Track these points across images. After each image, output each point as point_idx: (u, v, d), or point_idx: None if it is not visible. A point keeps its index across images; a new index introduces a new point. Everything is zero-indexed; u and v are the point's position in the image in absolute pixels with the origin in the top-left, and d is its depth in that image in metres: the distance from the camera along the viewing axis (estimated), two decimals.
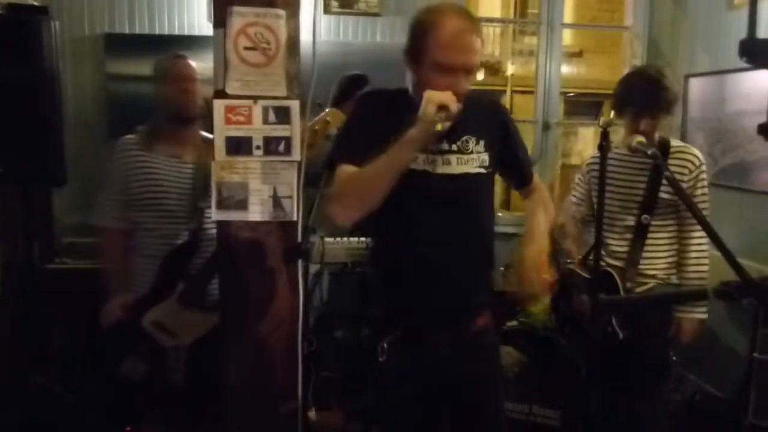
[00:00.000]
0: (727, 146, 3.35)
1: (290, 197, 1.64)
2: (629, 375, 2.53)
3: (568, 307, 2.69)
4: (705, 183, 2.48)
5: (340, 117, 2.03)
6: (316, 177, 1.91)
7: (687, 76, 3.70)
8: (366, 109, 1.73)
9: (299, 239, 1.72)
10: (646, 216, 2.47)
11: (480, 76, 11.10)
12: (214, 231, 2.22)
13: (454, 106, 1.53)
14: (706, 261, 2.46)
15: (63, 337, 3.01)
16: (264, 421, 1.80)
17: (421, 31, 1.62)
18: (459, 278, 1.74)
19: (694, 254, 2.47)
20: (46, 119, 2.14)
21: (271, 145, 1.60)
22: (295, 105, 1.60)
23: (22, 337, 2.83)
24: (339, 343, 3.39)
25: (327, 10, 3.82)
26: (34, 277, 2.66)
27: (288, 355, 1.78)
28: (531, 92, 4.50)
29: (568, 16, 4.41)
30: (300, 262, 1.74)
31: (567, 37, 8.63)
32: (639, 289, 2.50)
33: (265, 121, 1.59)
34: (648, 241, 2.49)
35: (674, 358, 2.69)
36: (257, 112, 1.58)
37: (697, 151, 2.50)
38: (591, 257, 2.56)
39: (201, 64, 2.28)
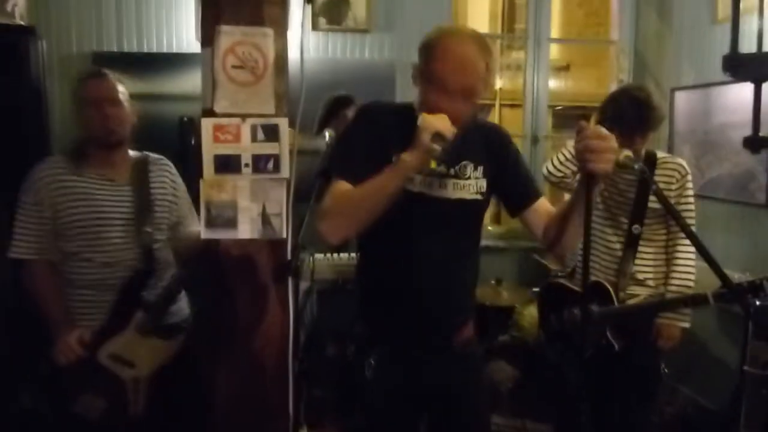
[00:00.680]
0: (713, 158, 3.39)
1: (279, 215, 1.64)
2: (622, 386, 2.54)
3: (559, 321, 2.69)
4: (691, 192, 2.53)
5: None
6: (306, 194, 1.89)
7: (673, 90, 3.75)
8: (366, 122, 1.70)
9: (289, 257, 1.71)
10: (636, 226, 2.51)
11: None
12: (163, 254, 2.16)
13: (450, 132, 1.51)
14: (692, 271, 2.49)
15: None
16: None
17: (426, 51, 1.61)
18: (443, 297, 1.74)
19: (681, 264, 2.51)
20: (34, 137, 2.12)
21: (259, 163, 1.60)
22: (283, 123, 1.60)
23: (11, 354, 2.78)
24: (330, 360, 3.38)
25: (315, 27, 3.84)
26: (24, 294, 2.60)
27: (279, 374, 1.77)
28: (519, 106, 4.53)
29: (554, 30, 4.45)
30: (290, 280, 1.73)
31: (554, 50, 8.70)
32: (631, 301, 2.53)
33: (254, 139, 1.59)
34: (639, 252, 2.53)
35: (666, 370, 2.69)
36: (246, 130, 1.58)
37: (682, 161, 2.56)
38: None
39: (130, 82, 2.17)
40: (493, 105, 11.12)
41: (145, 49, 3.62)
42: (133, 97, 3.45)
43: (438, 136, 1.49)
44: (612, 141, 1.39)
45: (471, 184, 1.71)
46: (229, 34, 1.55)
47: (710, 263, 1.63)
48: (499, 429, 3.16)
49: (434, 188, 1.68)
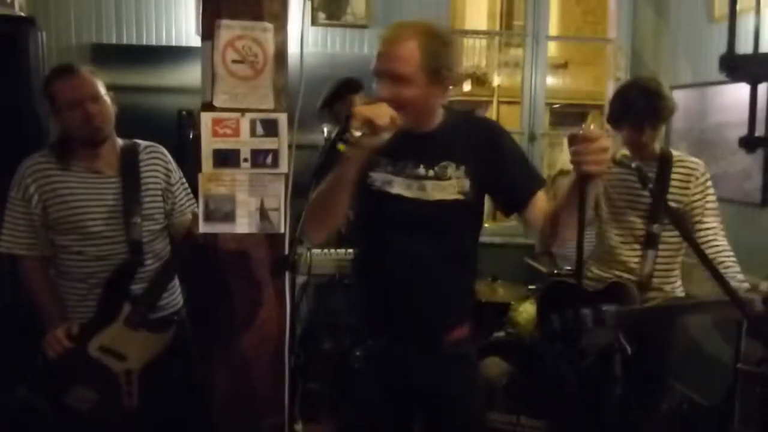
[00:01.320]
0: (709, 157, 3.39)
1: (277, 209, 1.65)
2: (630, 388, 2.41)
3: (562, 321, 2.55)
4: (712, 191, 2.44)
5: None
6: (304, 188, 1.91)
7: (670, 88, 3.75)
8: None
9: (286, 251, 1.71)
10: (657, 226, 2.41)
11: (467, 87, 11.19)
12: (155, 246, 2.14)
13: (382, 119, 1.50)
14: (734, 260, 2.36)
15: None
16: None
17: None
18: (429, 298, 1.73)
19: (730, 261, 2.36)
20: (33, 128, 2.11)
21: (258, 158, 1.61)
22: (282, 118, 1.61)
23: (6, 348, 2.78)
24: (326, 355, 3.38)
25: (314, 21, 3.84)
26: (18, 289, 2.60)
27: (275, 368, 1.77)
28: (517, 103, 4.54)
29: (553, 28, 4.46)
30: (287, 274, 1.73)
31: (552, 48, 8.72)
32: (650, 303, 2.42)
33: (253, 134, 1.59)
34: (660, 252, 2.44)
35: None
36: (245, 124, 1.58)
37: (699, 161, 2.48)
38: (593, 268, 2.54)
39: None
40: (491, 101, 11.14)
41: (145, 42, 3.62)
42: (132, 89, 3.46)
43: (368, 123, 1.48)
44: (604, 140, 1.39)
45: (452, 185, 1.69)
46: (229, 28, 1.55)
47: (707, 265, 1.63)
48: (494, 425, 3.18)
49: (413, 190, 1.69)
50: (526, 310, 3.44)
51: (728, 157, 3.24)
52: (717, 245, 2.37)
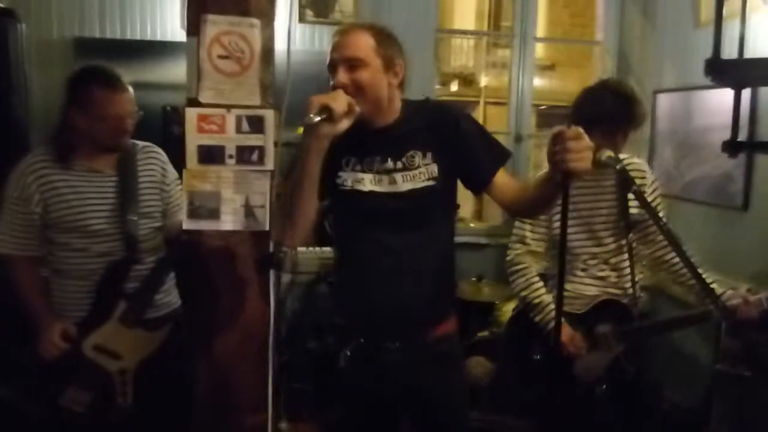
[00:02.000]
0: (693, 161, 3.43)
1: (263, 207, 1.63)
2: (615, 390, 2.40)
3: (544, 352, 2.38)
4: (659, 192, 2.44)
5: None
6: None
7: (655, 92, 3.78)
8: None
9: (271, 249, 1.70)
10: (632, 236, 2.36)
11: (454, 87, 11.21)
12: (150, 243, 2.15)
13: (339, 105, 1.55)
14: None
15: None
16: None
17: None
18: (412, 291, 1.76)
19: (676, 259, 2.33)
20: (13, 123, 2.08)
21: (244, 155, 1.59)
22: (269, 114, 1.60)
23: None
24: (311, 353, 3.37)
25: (302, 19, 3.82)
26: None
27: (259, 366, 1.76)
28: (504, 104, 4.55)
29: (540, 30, 4.48)
30: (272, 272, 1.72)
31: (539, 50, 8.76)
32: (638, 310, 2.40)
33: (239, 131, 1.58)
34: (622, 264, 2.41)
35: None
36: (230, 121, 1.57)
37: (641, 160, 2.47)
38: (572, 287, 2.37)
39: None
40: (479, 102, 11.16)
41: (129, 36, 3.57)
42: None
43: (323, 108, 1.52)
44: (587, 139, 1.40)
45: (421, 172, 1.73)
46: (215, 24, 1.54)
47: (688, 266, 1.65)
48: (477, 425, 3.18)
49: (384, 184, 1.73)
50: (511, 310, 3.45)
51: (711, 160, 3.27)
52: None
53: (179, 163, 1.68)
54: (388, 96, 1.72)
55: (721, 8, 1.61)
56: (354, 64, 1.65)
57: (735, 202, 3.10)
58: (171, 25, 3.62)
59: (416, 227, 1.75)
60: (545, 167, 2.43)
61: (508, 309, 3.47)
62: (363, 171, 1.73)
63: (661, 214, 2.32)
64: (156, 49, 3.50)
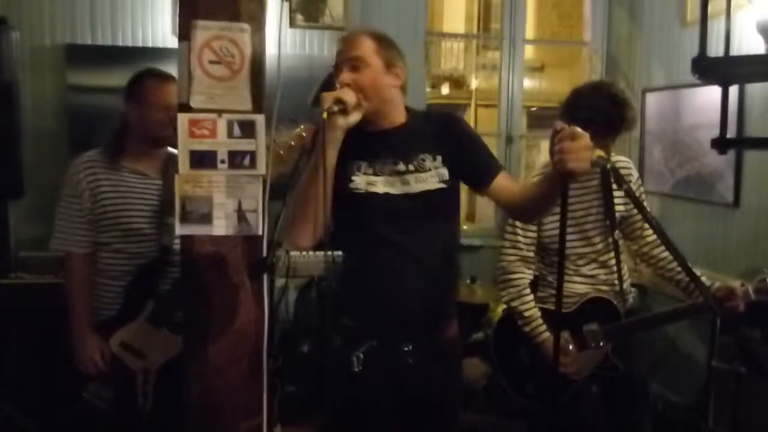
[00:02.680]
0: (683, 159, 3.46)
1: (255, 211, 1.63)
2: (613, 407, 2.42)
3: (536, 355, 2.37)
4: (641, 189, 2.48)
5: (313, 132, 2.04)
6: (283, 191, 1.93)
7: (644, 91, 3.81)
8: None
9: (264, 253, 1.70)
10: (618, 233, 2.37)
11: (445, 90, 11.24)
12: None
13: (350, 97, 1.66)
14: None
15: (18, 355, 2.93)
16: None
17: None
18: (426, 293, 1.79)
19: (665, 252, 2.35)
20: (4, 130, 2.08)
21: (235, 159, 1.59)
22: (260, 119, 1.59)
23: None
24: (305, 357, 3.37)
25: (292, 23, 3.83)
26: None
27: (253, 370, 1.76)
28: (494, 106, 4.57)
29: (529, 31, 4.51)
30: (265, 277, 1.72)
31: (528, 51, 8.80)
32: (627, 307, 2.41)
33: (230, 135, 1.58)
34: (608, 261, 2.41)
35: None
36: (222, 125, 1.57)
37: (625, 158, 2.50)
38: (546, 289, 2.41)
39: None
40: (469, 104, 11.20)
41: (120, 43, 3.57)
42: (106, 90, 3.42)
43: (337, 101, 1.63)
44: (587, 139, 1.41)
45: (432, 175, 1.80)
46: (205, 29, 1.54)
47: (680, 262, 1.66)
48: (473, 425, 3.19)
49: (397, 186, 1.79)
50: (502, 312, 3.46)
51: (701, 158, 3.30)
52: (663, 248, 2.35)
53: None
54: (390, 97, 1.81)
55: (706, 8, 1.63)
56: (356, 63, 1.75)
57: (725, 198, 3.13)
58: (162, 31, 3.62)
59: (428, 228, 1.80)
60: (536, 168, 2.48)
61: (501, 310, 3.48)
62: (375, 174, 1.79)
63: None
64: (147, 55, 3.49)
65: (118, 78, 3.47)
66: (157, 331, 2.09)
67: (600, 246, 2.41)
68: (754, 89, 2.91)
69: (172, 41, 3.57)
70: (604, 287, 2.41)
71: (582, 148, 1.40)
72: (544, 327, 2.33)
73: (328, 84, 3.00)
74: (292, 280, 2.94)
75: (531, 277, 2.42)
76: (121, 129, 2.18)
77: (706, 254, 3.21)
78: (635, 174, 2.48)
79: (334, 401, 1.88)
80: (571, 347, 2.31)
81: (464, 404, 3.01)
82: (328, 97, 1.63)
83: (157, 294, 2.12)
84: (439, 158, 1.81)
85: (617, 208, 2.39)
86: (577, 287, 2.41)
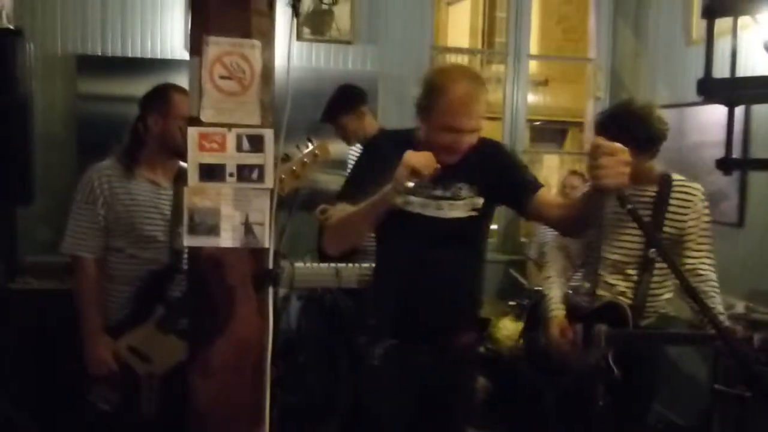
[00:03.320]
0: (686, 177, 3.46)
1: (262, 224, 1.64)
2: (614, 409, 2.40)
3: (544, 337, 2.51)
4: (709, 217, 2.41)
5: (327, 150, 2.09)
6: (289, 204, 1.97)
7: None
8: (370, 153, 2.02)
9: (270, 266, 1.72)
10: (653, 250, 2.34)
11: None
12: None
13: (427, 169, 1.69)
14: (717, 290, 2.38)
15: (23, 359, 2.95)
16: None
17: (432, 93, 1.81)
18: (446, 302, 1.91)
19: (712, 291, 2.36)
20: (18, 140, 2.12)
21: (244, 172, 1.60)
22: (268, 133, 1.61)
23: None
24: (305, 368, 3.38)
25: (299, 37, 3.87)
26: None
27: (256, 380, 1.77)
28: (498, 119, 4.59)
29: (533, 46, 4.54)
30: (270, 288, 1.74)
31: (532, 65, 8.84)
32: (643, 322, 2.41)
33: (239, 149, 1.59)
34: (654, 276, 2.40)
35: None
36: (231, 139, 1.58)
37: (698, 185, 2.44)
38: (586, 286, 2.47)
39: None
40: None
41: (130, 54, 3.62)
42: (115, 100, 3.45)
43: (414, 172, 1.68)
44: (626, 155, 1.43)
45: (466, 204, 1.89)
46: (217, 45, 1.56)
47: (690, 293, 1.64)
48: None
49: (431, 209, 1.89)
50: (506, 326, 3.47)
51: (705, 177, 3.29)
52: (701, 274, 2.36)
53: None
54: None
55: (713, 29, 1.65)
56: (471, 131, 1.82)
57: (730, 218, 3.13)
58: (171, 43, 3.67)
59: (454, 248, 1.91)
60: (542, 182, 2.52)
61: (503, 325, 3.49)
62: (413, 194, 1.86)
63: (708, 239, 2.39)
64: (156, 67, 3.54)
65: (127, 88, 3.54)
66: (164, 337, 2.12)
67: (630, 258, 2.42)
68: (760, 109, 2.93)
69: (180, 53, 3.61)
70: (621, 298, 2.43)
71: (620, 163, 1.41)
72: (556, 306, 2.47)
73: (336, 101, 3.04)
74: (295, 291, 2.96)
75: (566, 264, 2.58)
76: (136, 139, 2.23)
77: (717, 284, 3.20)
78: (697, 201, 2.40)
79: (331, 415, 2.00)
80: (573, 335, 2.41)
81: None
82: (407, 165, 1.68)
83: (166, 300, 2.15)
84: (476, 188, 1.90)
85: (670, 228, 2.37)
86: (600, 289, 2.48)
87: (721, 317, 2.28)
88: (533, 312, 2.69)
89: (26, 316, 2.97)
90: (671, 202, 2.37)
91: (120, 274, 2.19)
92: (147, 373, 2.12)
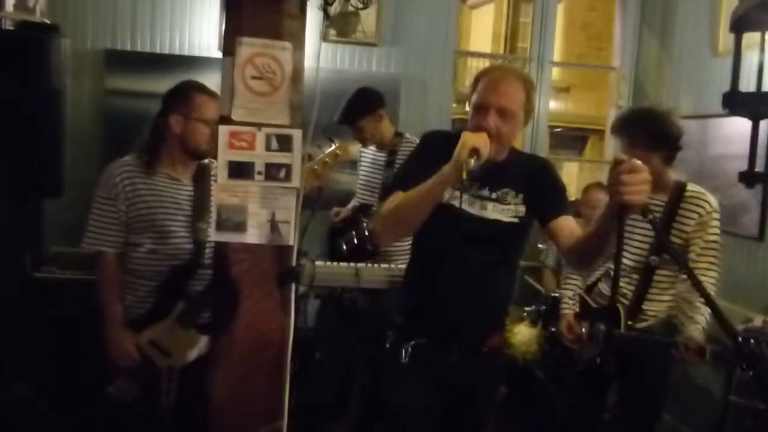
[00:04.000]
0: (708, 189, 3.43)
1: (288, 222, 1.68)
2: (621, 411, 2.52)
3: (556, 329, 2.77)
4: (715, 232, 2.41)
5: (348, 151, 2.13)
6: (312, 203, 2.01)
7: None
8: (423, 147, 2.01)
9: (293, 263, 1.75)
10: (654, 258, 2.42)
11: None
12: None
13: (485, 148, 1.72)
14: (707, 311, 2.37)
15: (46, 349, 3.00)
16: None
17: (474, 82, 1.89)
18: (477, 303, 1.93)
19: (699, 302, 2.38)
20: (49, 131, 2.16)
21: (271, 171, 1.64)
22: (297, 133, 1.64)
23: (5, 345, 2.82)
24: (321, 366, 3.41)
25: (324, 38, 3.90)
26: (23, 286, 2.64)
27: (276, 376, 1.80)
28: None
29: (556, 53, 4.54)
30: (293, 285, 1.77)
31: (554, 72, 8.82)
32: (639, 325, 2.47)
33: (268, 148, 1.63)
34: (654, 282, 2.46)
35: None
36: (260, 139, 1.62)
37: (711, 198, 2.44)
38: (600, 286, 2.65)
39: None
40: None
41: (158, 50, 3.67)
42: (143, 96, 3.49)
43: (474, 150, 1.69)
44: (646, 173, 1.45)
45: (510, 209, 1.92)
46: (249, 46, 1.59)
47: (709, 303, 1.65)
48: None
49: (475, 208, 1.92)
50: (521, 332, 3.47)
51: (727, 189, 3.29)
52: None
53: None
54: (511, 142, 1.94)
55: (740, 42, 1.66)
56: (504, 113, 1.82)
57: (750, 232, 3.12)
58: (200, 40, 3.71)
59: (492, 250, 1.94)
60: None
61: (518, 330, 3.49)
62: (460, 191, 1.86)
63: (714, 252, 2.41)
64: (184, 63, 3.59)
65: (155, 84, 3.60)
66: (185, 331, 2.15)
67: (637, 264, 2.49)
68: None
69: (208, 50, 3.66)
70: (623, 300, 2.52)
71: (640, 181, 1.44)
72: (566, 306, 2.71)
73: (355, 103, 3.07)
74: (314, 289, 2.99)
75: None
76: (157, 136, 2.24)
77: (730, 288, 3.19)
78: (704, 213, 2.41)
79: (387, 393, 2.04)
80: (582, 331, 2.63)
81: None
82: (468, 144, 1.70)
83: (187, 295, 2.18)
84: (521, 196, 1.94)
85: (674, 237, 2.41)
86: (606, 290, 2.63)
87: (698, 327, 2.34)
88: (551, 311, 2.89)
89: (51, 305, 3.02)
90: (680, 212, 2.41)
91: (141, 269, 2.22)
92: (167, 366, 2.15)
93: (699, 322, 2.35)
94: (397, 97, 3.89)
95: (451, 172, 1.73)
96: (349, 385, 3.36)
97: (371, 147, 3.22)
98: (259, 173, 1.63)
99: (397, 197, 1.86)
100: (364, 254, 2.98)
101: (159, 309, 2.18)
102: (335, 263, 2.73)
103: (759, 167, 1.72)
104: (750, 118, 1.69)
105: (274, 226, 1.68)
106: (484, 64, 11.05)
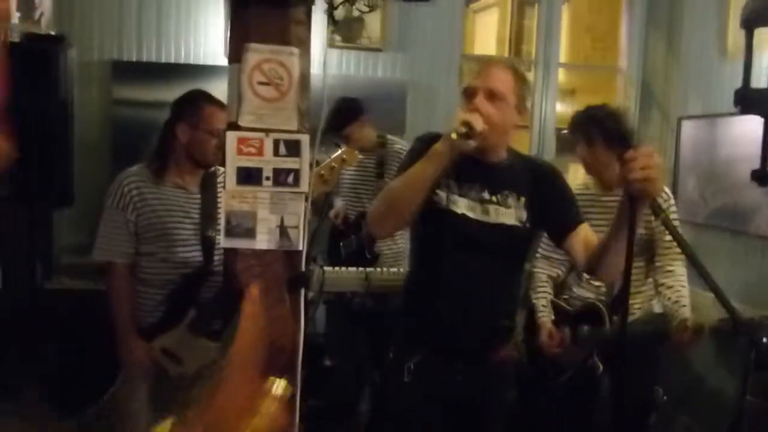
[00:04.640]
0: (718, 189, 3.43)
1: (296, 227, 1.67)
2: (611, 411, 2.51)
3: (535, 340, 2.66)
4: (676, 215, 2.50)
5: (354, 156, 2.12)
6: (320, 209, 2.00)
7: (680, 119, 3.80)
8: (419, 145, 1.93)
9: (303, 268, 1.74)
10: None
11: None
12: None
13: (479, 123, 1.69)
14: (687, 292, 2.47)
15: (57, 359, 3.02)
16: None
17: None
18: (483, 314, 1.87)
19: (679, 285, 2.46)
20: (57, 142, 2.18)
21: (280, 177, 1.64)
22: (305, 139, 1.64)
23: (17, 355, 2.83)
24: (328, 371, 3.40)
25: (330, 43, 3.89)
26: (34, 296, 2.66)
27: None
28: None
29: (562, 54, 4.53)
30: (302, 290, 1.76)
31: (560, 74, 8.80)
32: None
33: (276, 154, 1.63)
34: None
35: (665, 398, 2.70)
36: (268, 144, 1.62)
37: (666, 188, 2.52)
38: (569, 291, 2.67)
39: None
40: None
41: (164, 60, 3.69)
42: (150, 105, 3.51)
43: (466, 123, 1.67)
44: (660, 159, 1.44)
45: (512, 213, 1.85)
46: (257, 52, 1.59)
47: (715, 290, 1.64)
48: None
49: (477, 212, 1.85)
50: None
51: (737, 189, 3.27)
52: (670, 270, 2.47)
53: None
54: (508, 134, 1.88)
55: (752, 39, 1.64)
56: (493, 95, 1.78)
57: (763, 231, 3.10)
58: (205, 49, 3.73)
59: (496, 257, 1.87)
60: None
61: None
62: (459, 195, 1.85)
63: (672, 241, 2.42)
64: (190, 72, 3.61)
65: (162, 93, 3.61)
66: (196, 339, 2.16)
67: None
68: None
69: (213, 59, 3.67)
70: (605, 298, 2.55)
71: (654, 166, 1.42)
72: (543, 314, 2.64)
73: (340, 111, 3.10)
74: (323, 295, 2.99)
75: (553, 273, 2.70)
76: (165, 144, 2.25)
77: (741, 287, 3.17)
78: (666, 197, 2.49)
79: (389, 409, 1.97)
80: (563, 336, 2.60)
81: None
82: (460, 116, 1.69)
83: (198, 303, 2.19)
84: (522, 200, 1.87)
85: (640, 229, 2.43)
86: (585, 293, 2.63)
87: (686, 308, 2.38)
88: (527, 324, 2.76)
89: (61, 315, 3.03)
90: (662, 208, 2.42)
91: (152, 277, 2.23)
92: (179, 374, 2.15)
93: (685, 304, 2.40)
94: (403, 102, 3.89)
95: (442, 146, 1.71)
96: (358, 391, 3.35)
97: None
98: (268, 179, 1.63)
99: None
100: (362, 261, 3.00)
101: (170, 317, 2.19)
102: (344, 268, 2.73)
103: None
104: (762, 116, 1.67)
105: (283, 231, 1.67)
106: None
